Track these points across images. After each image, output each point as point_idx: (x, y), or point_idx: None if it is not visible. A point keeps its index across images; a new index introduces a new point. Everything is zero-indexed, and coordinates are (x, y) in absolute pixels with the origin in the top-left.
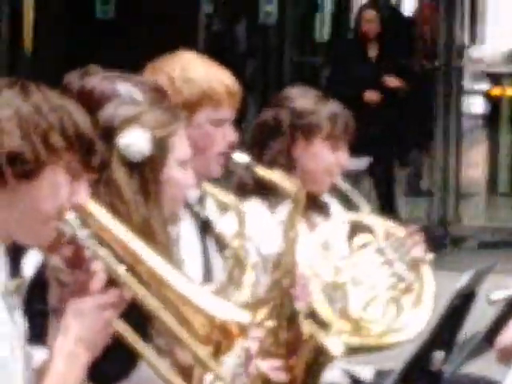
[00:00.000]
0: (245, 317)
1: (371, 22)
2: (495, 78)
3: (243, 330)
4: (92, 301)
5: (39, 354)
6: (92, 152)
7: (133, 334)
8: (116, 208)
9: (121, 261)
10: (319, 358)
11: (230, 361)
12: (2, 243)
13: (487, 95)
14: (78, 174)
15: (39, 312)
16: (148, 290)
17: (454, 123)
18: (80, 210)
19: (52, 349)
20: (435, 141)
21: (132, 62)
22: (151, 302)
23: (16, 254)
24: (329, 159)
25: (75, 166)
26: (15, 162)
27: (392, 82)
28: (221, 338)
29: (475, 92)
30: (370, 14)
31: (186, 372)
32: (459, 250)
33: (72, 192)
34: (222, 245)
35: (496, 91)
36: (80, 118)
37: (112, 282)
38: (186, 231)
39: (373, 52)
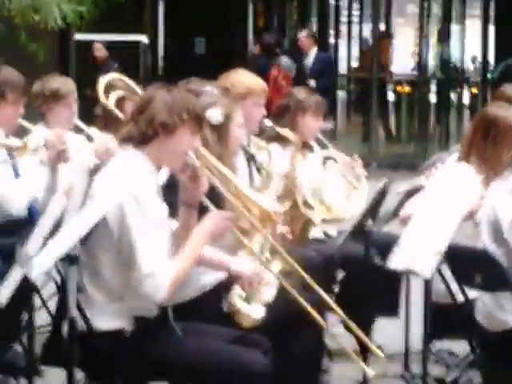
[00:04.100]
0: (278, 207)
1: None
2: None
3: (276, 214)
4: (220, 215)
5: (173, 223)
6: (201, 121)
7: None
8: (208, 150)
9: (214, 175)
10: (308, 224)
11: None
12: (156, 169)
13: None
14: (195, 132)
15: (172, 202)
16: (228, 191)
17: None
18: (195, 151)
19: (192, 229)
20: None
21: None
22: (229, 196)
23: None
24: (314, 124)
25: (194, 128)
26: (163, 126)
27: None
28: (263, 217)
29: None
30: None
31: (245, 233)
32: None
33: (192, 141)
34: (260, 168)
35: None
36: (196, 103)
37: (211, 188)
38: (240, 161)
39: None
